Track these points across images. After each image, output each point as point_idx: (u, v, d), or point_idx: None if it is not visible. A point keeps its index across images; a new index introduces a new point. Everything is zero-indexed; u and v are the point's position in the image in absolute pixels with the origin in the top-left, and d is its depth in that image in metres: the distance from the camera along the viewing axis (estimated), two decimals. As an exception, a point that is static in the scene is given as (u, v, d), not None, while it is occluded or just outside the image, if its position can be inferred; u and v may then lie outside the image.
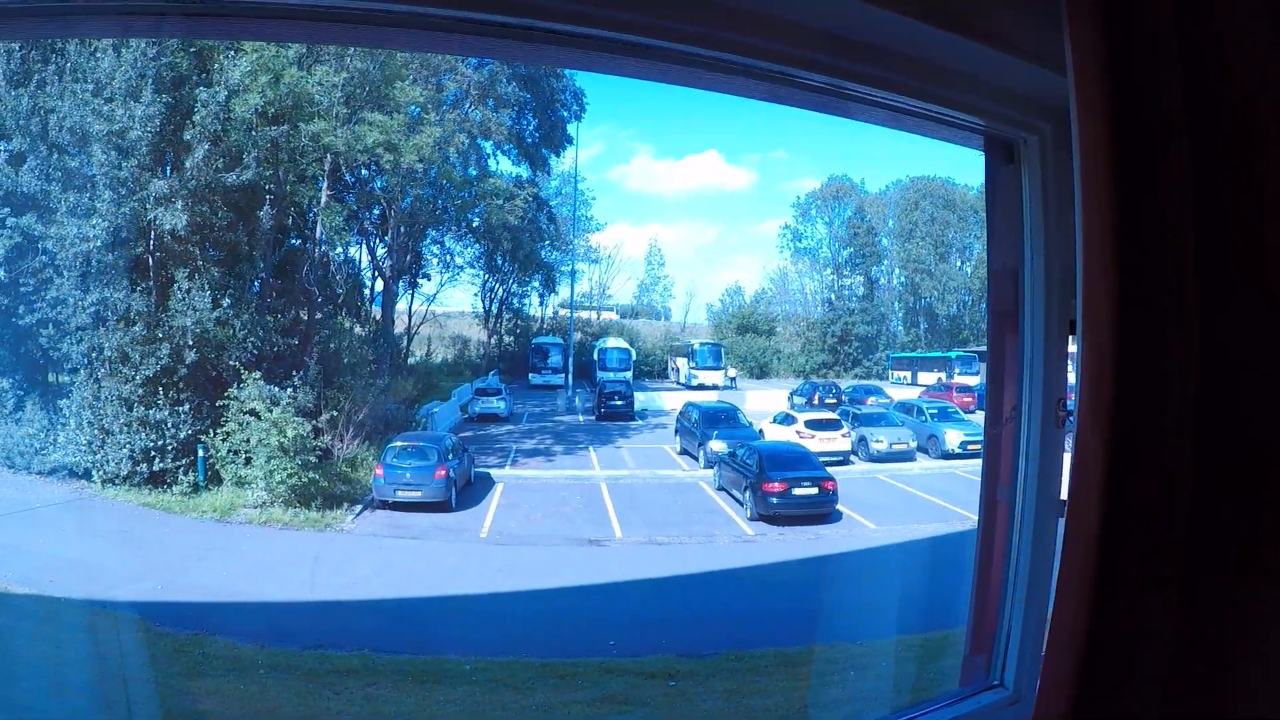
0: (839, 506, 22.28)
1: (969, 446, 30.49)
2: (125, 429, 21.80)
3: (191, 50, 22.86)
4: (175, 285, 22.26)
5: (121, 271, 22.28)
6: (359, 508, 22.28)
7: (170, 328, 21.99)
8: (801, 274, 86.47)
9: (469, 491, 24.38)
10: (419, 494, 22.13)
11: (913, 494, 25.46)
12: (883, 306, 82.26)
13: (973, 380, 56.57)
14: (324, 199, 26.86)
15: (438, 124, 29.97)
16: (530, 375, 60.00)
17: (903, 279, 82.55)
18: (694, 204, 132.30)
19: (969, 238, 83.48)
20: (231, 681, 10.64)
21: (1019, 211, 3.77)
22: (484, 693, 10.67)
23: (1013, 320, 3.94)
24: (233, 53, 22.86)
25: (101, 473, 21.82)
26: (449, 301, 75.94)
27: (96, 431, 21.90)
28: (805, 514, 21.72)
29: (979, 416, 40.55)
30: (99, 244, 21.46)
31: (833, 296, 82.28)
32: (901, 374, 64.93)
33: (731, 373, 62.45)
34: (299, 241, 29.13)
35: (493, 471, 27.21)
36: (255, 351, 23.46)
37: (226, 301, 22.67)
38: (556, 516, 22.49)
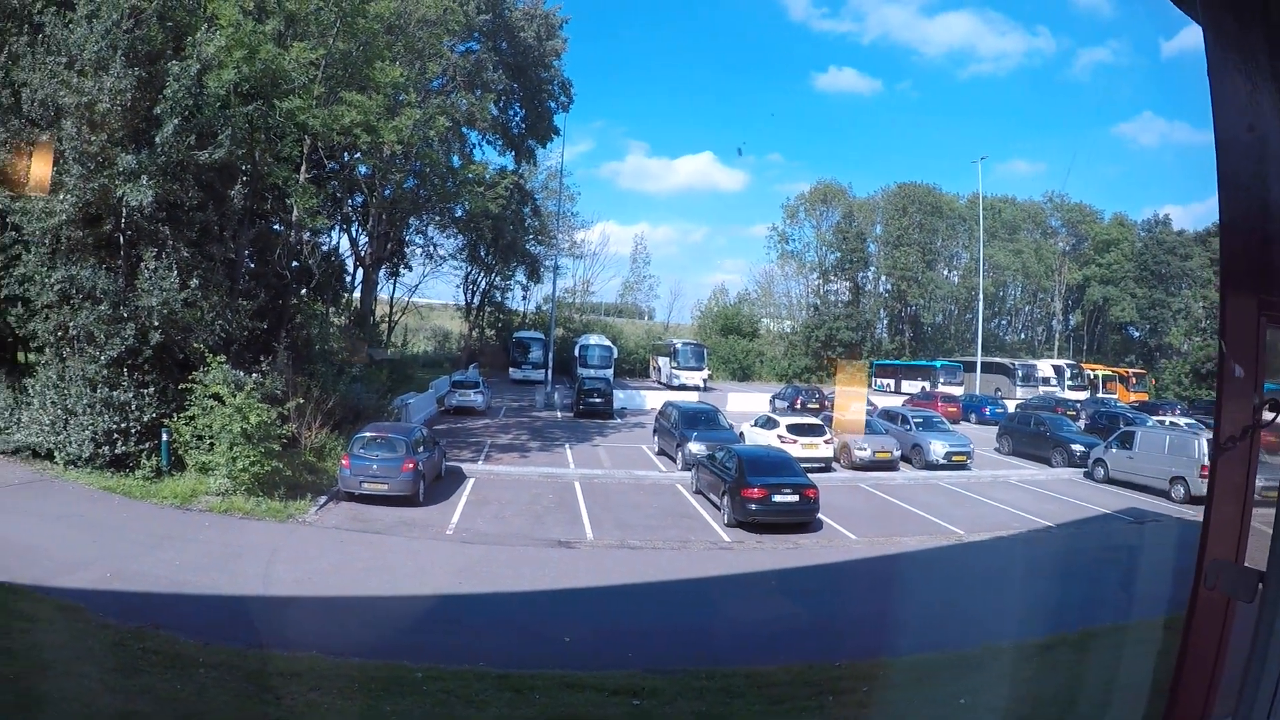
0: (820, 515, 22.01)
1: (954, 457, 30.51)
2: (89, 410, 21.44)
3: (168, 25, 22.39)
4: (143, 264, 21.73)
5: (89, 249, 21.78)
6: (323, 499, 21.90)
7: (136, 307, 21.50)
8: (787, 277, 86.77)
9: (438, 486, 24.13)
10: (385, 487, 21.76)
11: (896, 504, 25.35)
12: (868, 313, 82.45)
13: (957, 390, 56.75)
14: (301, 180, 26.32)
15: (419, 107, 29.42)
16: (510, 369, 60.07)
17: (889, 285, 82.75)
18: (684, 204, 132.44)
19: (956, 246, 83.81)
20: (168, 681, 10.11)
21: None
22: (433, 704, 10.17)
23: (1259, 276, 2.97)
24: (208, 27, 22.29)
25: (64, 454, 21.54)
26: (431, 292, 76.00)
27: (60, 412, 21.58)
28: (785, 521, 21.43)
29: (964, 427, 40.62)
30: (66, 219, 20.92)
31: (818, 301, 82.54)
32: (885, 381, 65.01)
33: (706, 373, 62.47)
34: (274, 224, 28.64)
35: (465, 466, 27.01)
36: (223, 334, 23.05)
37: (195, 282, 22.18)
38: (527, 515, 22.17)
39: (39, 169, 21.02)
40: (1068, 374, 61.68)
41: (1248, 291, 2.89)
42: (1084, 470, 31.24)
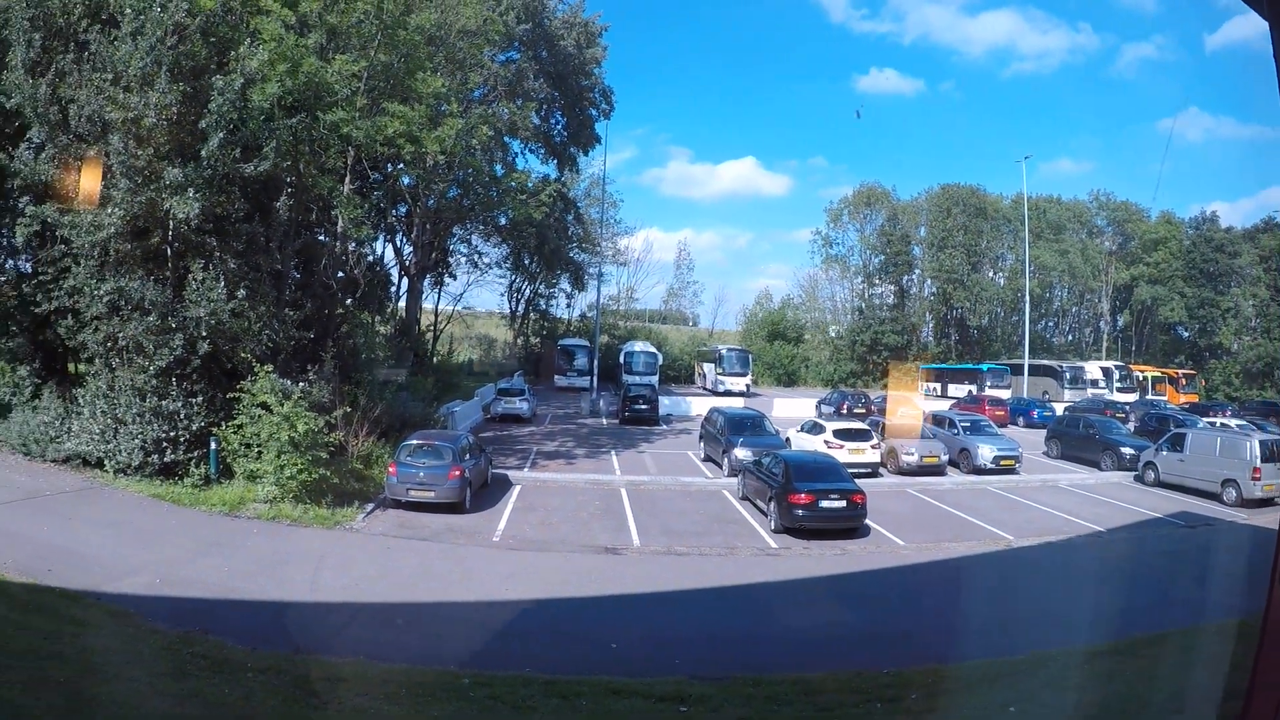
0: (867, 521, 21.77)
1: (1002, 462, 30.07)
2: (138, 419, 21.75)
3: (211, 40, 22.66)
4: (191, 275, 21.98)
5: (138, 261, 22.10)
6: (370, 506, 21.96)
7: (185, 318, 21.75)
8: (832, 282, 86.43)
9: (485, 493, 24.12)
10: (432, 494, 21.76)
11: (943, 509, 24.95)
12: (913, 316, 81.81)
13: (1004, 393, 56.01)
14: (345, 191, 26.50)
15: (462, 117, 29.49)
16: (555, 377, 60.13)
17: (934, 289, 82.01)
18: (728, 209, 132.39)
19: (1001, 247, 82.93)
20: (215, 685, 10.14)
21: None
22: (480, 710, 10.09)
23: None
24: (250, 42, 22.51)
25: (114, 462, 21.81)
26: (476, 300, 76.32)
27: (110, 421, 21.91)
28: (832, 527, 21.18)
29: (1012, 431, 40.09)
30: (114, 232, 21.24)
31: (862, 305, 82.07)
32: (931, 385, 64.36)
33: (750, 379, 62.29)
34: (320, 234, 28.86)
35: (511, 473, 26.99)
36: (271, 344, 23.24)
37: (242, 292, 22.42)
38: (573, 522, 22.10)
39: (87, 183, 21.48)
40: (1116, 376, 60.76)
41: None
42: (1134, 474, 30.56)
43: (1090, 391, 58.57)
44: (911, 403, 48.49)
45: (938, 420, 35.04)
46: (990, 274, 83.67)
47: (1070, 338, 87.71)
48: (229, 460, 22.15)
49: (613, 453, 33.29)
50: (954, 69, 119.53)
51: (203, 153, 21.49)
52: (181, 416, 22.02)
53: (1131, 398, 56.53)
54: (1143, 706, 10.26)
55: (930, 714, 11.02)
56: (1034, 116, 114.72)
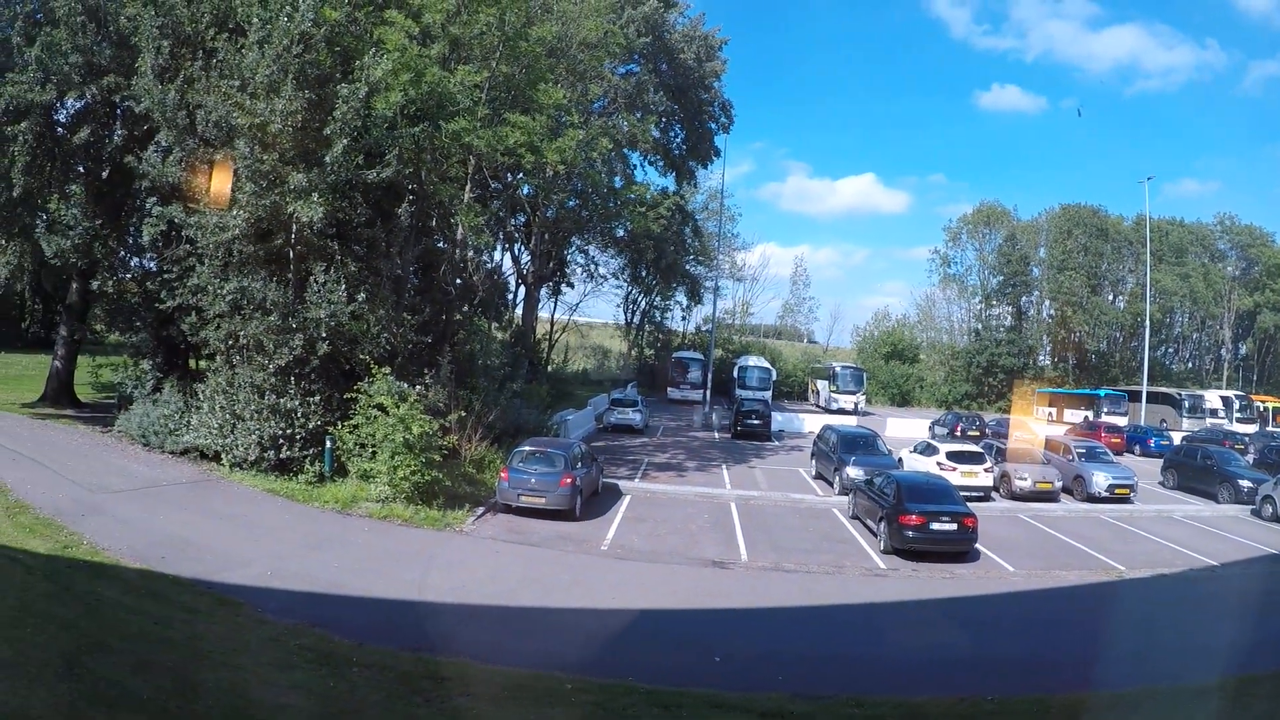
0: (977, 545, 21.21)
1: (1117, 490, 29.16)
2: (256, 415, 22.31)
3: (336, 49, 23.13)
4: (312, 278, 22.40)
5: (260, 262, 22.63)
6: (481, 510, 22.04)
7: (305, 319, 22.18)
8: (949, 301, 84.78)
9: (595, 502, 24.02)
10: (543, 500, 21.73)
11: (1055, 536, 24.24)
12: (1030, 339, 79.58)
13: (1121, 420, 53.93)
14: (466, 199, 26.77)
15: (582, 128, 29.59)
16: (669, 389, 60.03)
17: (1052, 311, 79.70)
18: (845, 226, 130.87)
19: (1122, 270, 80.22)
20: (320, 677, 10.15)
21: None
22: (581, 716, 9.90)
23: None
24: (375, 51, 22.89)
25: (230, 456, 22.46)
26: (591, 311, 76.83)
27: (229, 416, 22.55)
28: (942, 550, 20.67)
29: (1128, 459, 38.59)
30: (239, 233, 21.79)
31: (979, 326, 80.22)
32: (1047, 409, 62.43)
33: (863, 397, 61.34)
34: (440, 241, 29.22)
35: (621, 483, 26.89)
36: (389, 347, 23.55)
37: (362, 296, 22.80)
38: (682, 534, 21.84)
39: (213, 186, 22.15)
40: (1236, 405, 58.09)
41: None
42: (1251, 508, 29.09)
43: (1209, 421, 56.12)
44: (1027, 427, 47.12)
45: (1052, 446, 33.96)
46: (1110, 297, 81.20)
47: (1190, 365, 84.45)
48: (343, 459, 22.48)
49: (723, 466, 32.95)
50: (1076, 86, 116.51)
51: (326, 159, 21.95)
52: (299, 414, 22.47)
53: (1252, 428, 53.93)
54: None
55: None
56: (1158, 135, 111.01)
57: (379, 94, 22.82)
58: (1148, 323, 66.59)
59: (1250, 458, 39.47)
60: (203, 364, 24.91)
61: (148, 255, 27.53)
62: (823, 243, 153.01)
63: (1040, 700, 11.89)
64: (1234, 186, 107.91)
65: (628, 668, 12.00)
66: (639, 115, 46.02)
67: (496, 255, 42.61)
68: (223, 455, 22.47)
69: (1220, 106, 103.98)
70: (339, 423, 22.49)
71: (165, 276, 23.72)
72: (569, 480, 21.96)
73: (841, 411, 56.33)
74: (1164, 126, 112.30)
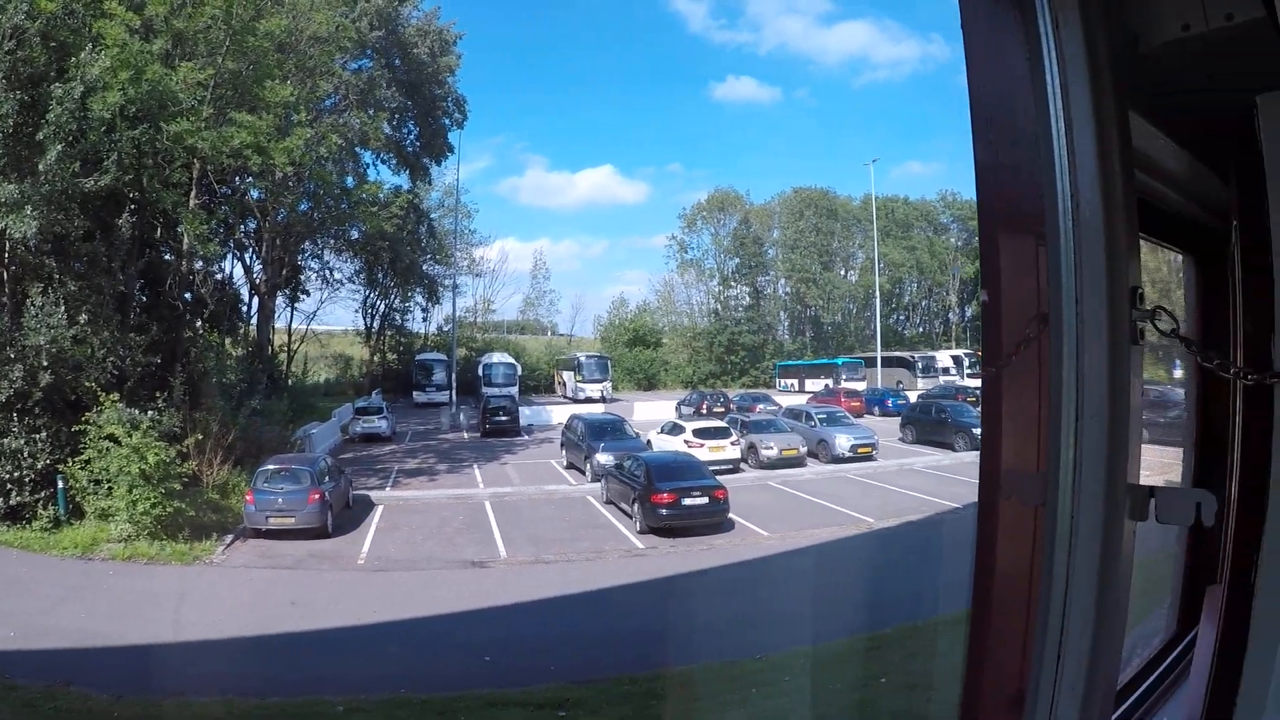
0: (731, 515, 22.41)
1: (859, 450, 31.27)
2: (-23, 460, 20.43)
3: (52, 45, 21.60)
4: (29, 300, 20.89)
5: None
6: (230, 537, 21.36)
7: (24, 347, 20.63)
8: (688, 285, 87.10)
9: (347, 515, 23.74)
10: (292, 520, 21.31)
11: (805, 499, 25.85)
12: (769, 316, 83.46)
13: (860, 385, 57.79)
14: (191, 206, 25.69)
15: (311, 127, 28.95)
16: (414, 393, 59.11)
17: (788, 288, 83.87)
18: (585, 218, 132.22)
19: (853, 246, 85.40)
20: (81, 739, 9.86)
21: None
22: (354, 738, 10.10)
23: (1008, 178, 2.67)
24: (92, 47, 21.56)
25: (-46, 509, 20.40)
26: (330, 319, 74.18)
27: (-52, 464, 20.47)
28: (696, 524, 21.76)
29: (868, 420, 41.45)
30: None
31: (719, 307, 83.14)
32: (789, 381, 65.96)
33: (610, 384, 62.69)
34: (165, 253, 27.87)
35: (373, 493, 26.68)
36: (116, 371, 22.33)
37: (84, 317, 21.46)
38: (438, 538, 22.06)
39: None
40: (966, 363, 62.98)
41: None
42: (987, 453, 31.82)
43: (942, 379, 60.56)
44: (770, 399, 49.78)
45: (794, 414, 36.14)
46: (842, 272, 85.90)
47: (921, 329, 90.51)
48: (79, 499, 21.01)
49: (475, 466, 33.10)
50: (810, 77, 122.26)
51: (40, 166, 20.42)
52: (25, 455, 20.76)
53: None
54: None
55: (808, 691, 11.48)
56: (886, 121, 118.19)
57: (96, 94, 21.39)
58: (878, 294, 71.25)
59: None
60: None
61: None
62: (563, 235, 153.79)
63: (806, 653, 12.82)
64: (955, 166, 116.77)
65: (400, 680, 12.22)
66: (371, 112, 45.19)
67: (227, 265, 40.72)
68: (-54, 508, 20.57)
69: (943, 94, 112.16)
70: (69, 460, 21.02)
71: None
72: (317, 496, 21.59)
73: (589, 400, 57.27)
74: (891, 113, 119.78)
